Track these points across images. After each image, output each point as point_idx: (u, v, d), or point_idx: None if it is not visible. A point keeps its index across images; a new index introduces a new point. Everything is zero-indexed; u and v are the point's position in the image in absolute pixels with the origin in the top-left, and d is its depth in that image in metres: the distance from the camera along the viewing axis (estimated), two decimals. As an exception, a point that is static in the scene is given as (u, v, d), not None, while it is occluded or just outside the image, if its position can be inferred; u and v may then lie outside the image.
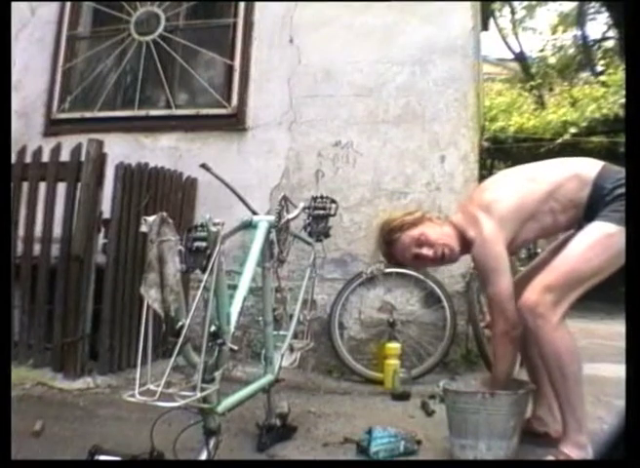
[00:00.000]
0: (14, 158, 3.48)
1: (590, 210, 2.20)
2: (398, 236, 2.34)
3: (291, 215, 2.53)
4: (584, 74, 15.03)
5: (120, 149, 3.83)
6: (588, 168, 2.26)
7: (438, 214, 3.86)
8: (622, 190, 2.12)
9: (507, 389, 2.32)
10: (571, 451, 2.04)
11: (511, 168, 2.60)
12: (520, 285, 2.26)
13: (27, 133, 4.35)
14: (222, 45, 4.37)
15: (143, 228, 1.72)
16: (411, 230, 2.34)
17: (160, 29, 4.45)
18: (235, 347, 1.97)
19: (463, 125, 3.94)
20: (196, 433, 1.95)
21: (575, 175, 2.25)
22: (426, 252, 2.34)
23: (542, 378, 2.36)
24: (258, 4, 4.30)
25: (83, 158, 3.40)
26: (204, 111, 4.34)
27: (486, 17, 7.67)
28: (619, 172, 2.20)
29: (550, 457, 2.07)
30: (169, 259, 1.71)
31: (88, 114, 4.49)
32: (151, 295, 1.69)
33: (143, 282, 1.70)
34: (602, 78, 11.64)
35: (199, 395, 1.73)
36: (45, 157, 3.54)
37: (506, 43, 16.56)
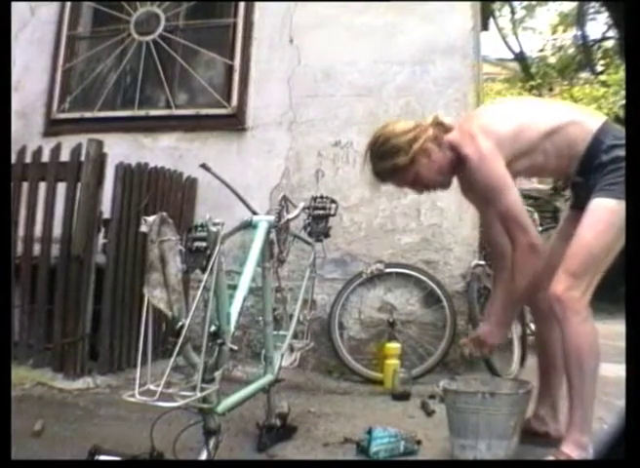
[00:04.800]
0: (14, 158, 3.48)
1: (585, 164, 2.16)
2: (390, 175, 2.27)
3: (291, 215, 2.53)
4: (584, 74, 15.01)
5: (120, 149, 3.83)
6: (592, 120, 2.23)
7: (438, 215, 3.87)
8: (621, 152, 2.09)
9: (507, 389, 2.32)
10: (572, 452, 2.03)
11: (514, 97, 2.58)
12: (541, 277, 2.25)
13: (27, 133, 4.34)
14: (222, 45, 4.37)
15: (143, 228, 1.72)
16: (405, 172, 2.24)
17: (160, 29, 4.45)
18: (235, 347, 1.97)
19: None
20: (196, 433, 1.95)
21: (577, 122, 2.20)
22: (418, 189, 2.33)
23: (553, 377, 2.36)
24: (258, 4, 4.30)
25: (83, 158, 3.40)
26: (204, 111, 4.34)
27: (486, 17, 7.65)
28: (619, 130, 2.18)
29: (550, 457, 2.07)
30: (170, 259, 1.71)
31: (88, 114, 4.49)
32: (156, 295, 1.69)
33: (146, 282, 1.70)
34: (602, 78, 11.63)
35: (199, 395, 1.73)
36: (45, 157, 3.54)
37: (506, 43, 16.54)
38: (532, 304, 2.53)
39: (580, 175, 2.21)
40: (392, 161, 2.21)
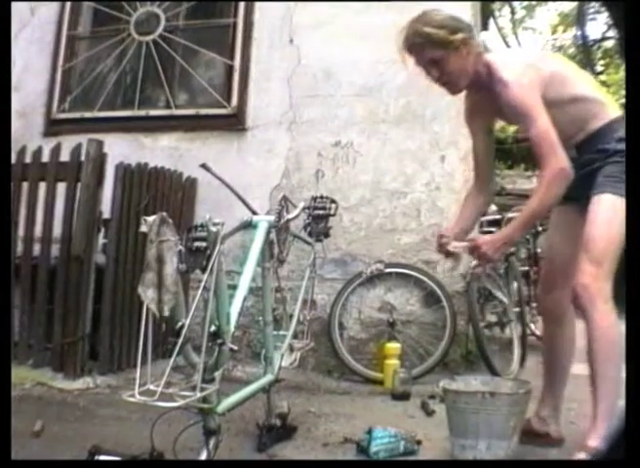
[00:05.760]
0: (14, 158, 3.48)
1: (590, 142, 2.23)
2: (420, 43, 2.24)
3: (291, 215, 2.53)
4: (584, 74, 15.02)
5: (120, 149, 3.83)
6: (613, 108, 2.29)
7: (438, 214, 3.87)
8: (623, 146, 2.15)
9: (507, 389, 2.32)
10: (601, 445, 1.96)
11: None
12: (551, 278, 2.36)
13: (27, 133, 4.34)
14: (222, 45, 4.37)
15: (143, 228, 1.72)
16: (436, 49, 2.22)
17: (160, 29, 4.45)
18: (235, 347, 1.97)
19: (463, 125, 3.93)
20: (196, 433, 1.95)
21: (601, 103, 2.27)
22: (435, 73, 2.27)
23: (558, 378, 2.36)
24: (258, 4, 4.30)
25: (83, 158, 3.40)
26: (204, 111, 4.34)
27: (486, 17, 7.65)
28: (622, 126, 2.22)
29: (582, 455, 2.00)
30: (167, 260, 1.71)
31: (88, 114, 4.49)
32: (148, 295, 1.70)
33: (141, 282, 1.71)
34: (602, 78, 11.63)
35: (199, 395, 1.73)
36: (45, 157, 3.54)
37: (506, 43, 16.54)
38: (542, 304, 2.55)
39: (578, 150, 2.24)
40: (435, 31, 2.20)
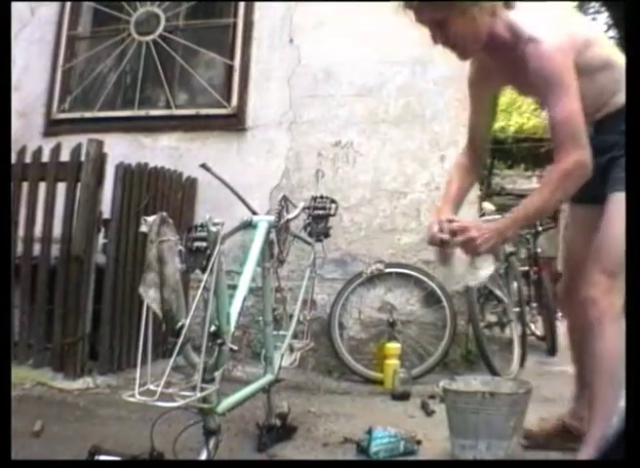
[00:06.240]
0: (14, 158, 3.48)
1: (610, 122, 1.95)
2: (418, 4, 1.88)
3: (291, 215, 2.53)
4: (584, 74, 15.03)
5: (120, 149, 3.83)
6: None
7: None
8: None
9: (507, 389, 2.32)
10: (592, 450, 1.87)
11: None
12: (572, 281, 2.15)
13: (27, 133, 4.34)
14: (222, 45, 4.37)
15: (143, 228, 1.72)
16: (445, 9, 1.85)
17: (160, 29, 4.45)
18: (235, 347, 1.97)
19: (463, 125, 3.90)
20: (196, 433, 1.95)
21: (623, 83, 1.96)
22: (439, 37, 1.93)
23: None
24: (258, 4, 4.30)
25: (83, 158, 3.40)
26: (204, 111, 4.34)
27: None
28: None
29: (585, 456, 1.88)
30: (168, 259, 1.71)
31: (88, 114, 4.49)
32: (150, 295, 1.69)
33: (142, 282, 1.70)
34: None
35: (199, 395, 1.73)
36: (45, 157, 3.54)
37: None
38: (567, 308, 2.35)
39: (597, 129, 1.96)
40: None
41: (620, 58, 2.01)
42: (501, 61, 1.98)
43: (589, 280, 1.94)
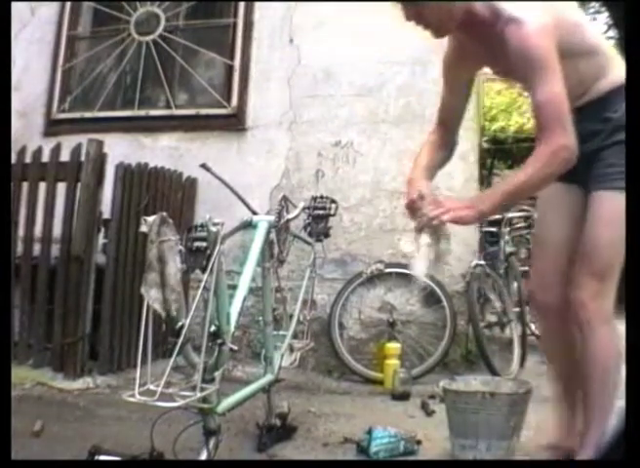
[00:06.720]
0: (14, 158, 3.48)
1: (594, 109, 1.87)
2: None
3: (291, 215, 2.53)
4: (584, 74, 15.03)
5: (120, 149, 3.83)
6: (622, 66, 1.95)
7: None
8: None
9: (507, 389, 2.32)
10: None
11: None
12: (550, 269, 2.02)
13: (27, 133, 4.34)
14: (222, 45, 4.37)
15: (143, 228, 1.72)
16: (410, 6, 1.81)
17: (160, 29, 4.45)
18: (235, 347, 1.97)
19: (463, 125, 3.93)
20: (196, 433, 1.95)
21: (612, 60, 1.94)
22: (413, 14, 1.84)
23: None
24: (258, 4, 4.30)
25: (83, 158, 3.40)
26: (204, 111, 4.34)
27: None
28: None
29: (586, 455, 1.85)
30: (169, 259, 1.71)
31: (88, 114, 4.49)
32: (152, 295, 1.69)
33: (144, 282, 1.70)
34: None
35: (199, 395, 1.73)
36: (45, 157, 3.54)
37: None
38: (539, 301, 2.19)
39: (579, 116, 1.82)
40: None
41: (604, 44, 1.96)
42: (479, 41, 1.89)
43: (577, 283, 1.89)
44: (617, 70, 1.94)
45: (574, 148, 1.71)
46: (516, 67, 1.79)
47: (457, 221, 1.78)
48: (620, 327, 1.94)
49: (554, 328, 2.08)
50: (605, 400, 1.88)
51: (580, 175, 1.92)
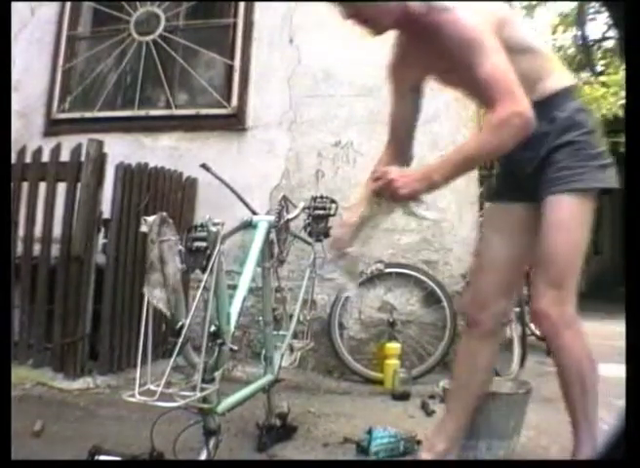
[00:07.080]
0: (14, 158, 3.48)
1: (539, 110, 1.72)
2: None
3: (291, 215, 2.53)
4: (584, 74, 15.03)
5: (120, 149, 3.83)
6: (564, 70, 1.99)
7: (437, 213, 3.86)
8: (582, 117, 1.87)
9: (507, 389, 2.32)
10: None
11: None
12: (490, 289, 2.01)
13: (27, 133, 4.35)
14: (222, 45, 4.37)
15: (143, 228, 1.72)
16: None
17: (160, 29, 4.45)
18: (235, 347, 1.97)
19: (463, 125, 3.94)
20: (196, 433, 1.95)
21: (554, 63, 1.95)
22: (349, 12, 1.98)
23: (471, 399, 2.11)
24: (258, 4, 4.30)
25: (83, 158, 3.40)
26: (204, 111, 4.34)
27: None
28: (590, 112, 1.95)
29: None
30: (169, 259, 1.71)
31: (88, 114, 4.49)
32: (155, 295, 1.69)
33: (146, 282, 1.70)
34: (602, 78, 11.63)
35: (199, 395, 1.73)
36: (45, 157, 3.54)
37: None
38: (473, 318, 2.14)
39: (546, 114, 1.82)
40: None
41: (541, 45, 1.95)
42: (417, 38, 1.86)
43: (537, 293, 1.89)
44: (561, 73, 1.94)
45: (528, 114, 1.64)
46: (455, 54, 1.73)
47: (411, 195, 1.77)
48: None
49: (478, 346, 2.07)
50: (587, 400, 1.90)
51: (527, 190, 1.91)
